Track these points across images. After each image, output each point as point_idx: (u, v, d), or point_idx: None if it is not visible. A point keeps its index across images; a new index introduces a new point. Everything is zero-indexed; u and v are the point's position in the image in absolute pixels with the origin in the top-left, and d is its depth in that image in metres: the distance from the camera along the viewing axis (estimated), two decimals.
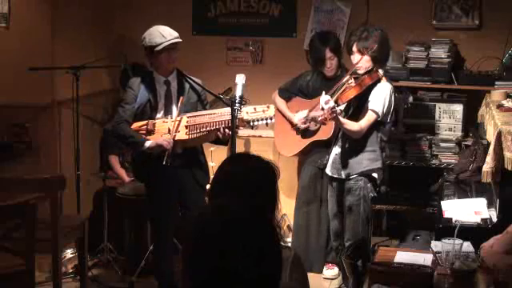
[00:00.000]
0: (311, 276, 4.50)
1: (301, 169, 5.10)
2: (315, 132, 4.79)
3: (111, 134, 5.12)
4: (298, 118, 4.77)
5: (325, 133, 4.66)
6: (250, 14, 5.59)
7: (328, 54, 4.69)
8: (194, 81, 4.19)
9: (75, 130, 4.83)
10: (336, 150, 4.14)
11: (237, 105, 3.81)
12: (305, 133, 4.84)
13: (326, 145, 4.64)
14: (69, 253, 4.84)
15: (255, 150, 5.42)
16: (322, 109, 3.76)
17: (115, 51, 5.39)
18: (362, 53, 3.96)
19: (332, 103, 3.74)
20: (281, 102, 4.96)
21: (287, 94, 4.97)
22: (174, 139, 3.99)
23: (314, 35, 5.05)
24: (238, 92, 3.88)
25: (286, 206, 5.27)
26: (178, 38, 4.05)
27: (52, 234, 3.90)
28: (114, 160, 5.24)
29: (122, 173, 5.18)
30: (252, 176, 2.25)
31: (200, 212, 1.71)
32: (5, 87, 4.80)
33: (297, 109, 4.88)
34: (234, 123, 3.82)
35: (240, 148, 5.22)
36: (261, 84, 5.15)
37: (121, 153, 5.28)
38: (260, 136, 5.43)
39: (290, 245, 4.99)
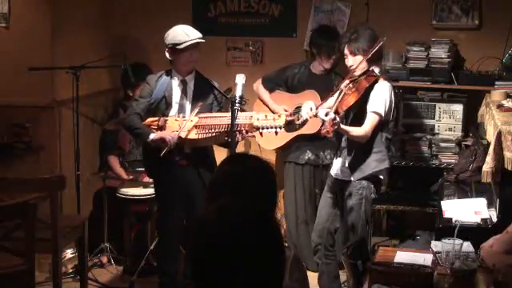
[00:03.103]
0: (310, 275, 4.50)
1: (281, 167, 5.08)
2: (301, 126, 4.75)
3: (112, 132, 5.13)
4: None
5: (311, 127, 4.63)
6: (249, 13, 5.59)
7: (336, 45, 4.62)
8: (211, 83, 4.20)
9: (75, 129, 4.83)
10: (340, 153, 4.12)
11: (237, 105, 3.81)
12: (289, 126, 4.78)
13: (307, 140, 4.64)
14: (69, 253, 4.84)
15: (255, 150, 5.42)
16: (323, 121, 3.72)
17: (115, 51, 5.38)
18: (354, 54, 3.95)
19: (332, 114, 3.70)
20: (265, 93, 4.93)
21: (271, 85, 4.94)
22: (183, 137, 4.01)
23: (320, 27, 5.03)
24: (238, 92, 3.88)
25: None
26: (201, 38, 4.07)
27: (52, 234, 3.90)
28: (114, 160, 5.24)
29: (122, 173, 5.19)
30: (251, 176, 2.25)
31: (203, 213, 1.71)
32: (5, 87, 4.81)
33: (279, 102, 4.86)
34: (234, 123, 3.82)
35: (240, 148, 5.22)
36: None
37: (120, 153, 5.29)
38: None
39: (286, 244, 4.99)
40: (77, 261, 4.66)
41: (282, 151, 5.06)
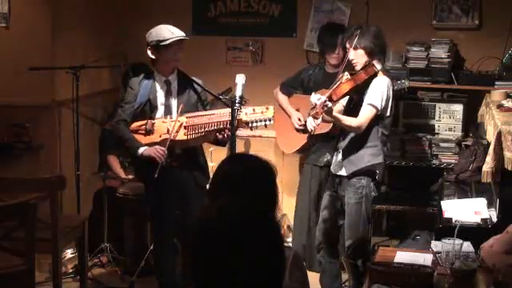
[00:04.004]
0: (311, 275, 4.49)
1: (301, 168, 5.10)
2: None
3: (111, 133, 5.12)
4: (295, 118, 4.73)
5: (324, 126, 4.64)
6: (249, 13, 5.59)
7: (339, 40, 4.67)
8: (194, 81, 4.18)
9: (75, 130, 4.84)
10: (338, 148, 4.13)
11: (237, 105, 3.80)
12: (305, 128, 4.82)
13: (326, 142, 4.65)
14: (69, 253, 4.84)
15: (255, 150, 5.42)
16: (314, 105, 3.75)
17: (115, 51, 5.38)
18: (356, 48, 3.97)
19: (323, 98, 3.72)
20: (283, 98, 4.97)
21: (288, 90, 4.98)
22: (173, 139, 3.99)
23: (324, 25, 5.07)
24: (238, 92, 3.88)
25: (287, 206, 5.27)
26: (185, 36, 4.06)
27: (52, 234, 3.90)
28: (113, 160, 5.24)
29: (121, 173, 5.19)
30: (250, 176, 2.25)
31: (202, 212, 1.71)
32: (5, 87, 4.81)
33: (297, 105, 4.88)
34: (234, 123, 3.81)
35: (240, 148, 5.22)
36: (261, 84, 5.15)
37: (120, 153, 5.28)
38: (260, 136, 5.43)
39: (289, 244, 4.98)
40: (77, 261, 4.66)
41: (302, 153, 5.06)
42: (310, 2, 5.43)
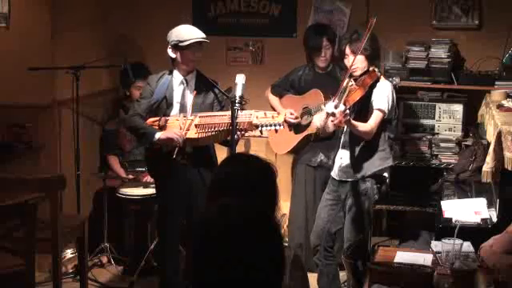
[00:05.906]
0: (311, 276, 4.49)
1: (294, 168, 5.09)
2: (307, 126, 4.78)
3: (123, 125, 5.05)
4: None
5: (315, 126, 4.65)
6: (249, 13, 5.59)
7: (324, 42, 4.74)
8: (211, 83, 4.21)
9: (75, 129, 4.84)
10: (341, 154, 4.12)
11: (237, 105, 3.81)
12: (297, 128, 4.82)
13: (320, 140, 4.64)
14: (69, 253, 4.84)
15: (255, 149, 5.42)
16: (333, 114, 3.69)
17: (115, 51, 5.39)
18: (355, 54, 3.96)
19: (342, 106, 3.67)
20: (274, 99, 4.99)
21: (279, 91, 4.99)
22: (183, 137, 4.02)
23: (309, 27, 5.09)
24: (238, 92, 3.88)
25: (286, 207, 5.27)
26: (205, 38, 4.10)
27: (52, 234, 3.90)
28: (114, 160, 5.25)
29: (122, 172, 5.19)
30: (252, 176, 2.25)
31: (204, 212, 1.71)
32: (5, 87, 4.80)
33: (289, 106, 4.87)
34: (235, 123, 3.82)
35: (240, 148, 5.22)
36: (261, 84, 5.14)
37: (120, 153, 5.29)
38: (260, 136, 5.42)
39: (286, 244, 4.98)
40: (77, 261, 4.66)
41: (296, 153, 5.05)
42: (310, 2, 5.43)
